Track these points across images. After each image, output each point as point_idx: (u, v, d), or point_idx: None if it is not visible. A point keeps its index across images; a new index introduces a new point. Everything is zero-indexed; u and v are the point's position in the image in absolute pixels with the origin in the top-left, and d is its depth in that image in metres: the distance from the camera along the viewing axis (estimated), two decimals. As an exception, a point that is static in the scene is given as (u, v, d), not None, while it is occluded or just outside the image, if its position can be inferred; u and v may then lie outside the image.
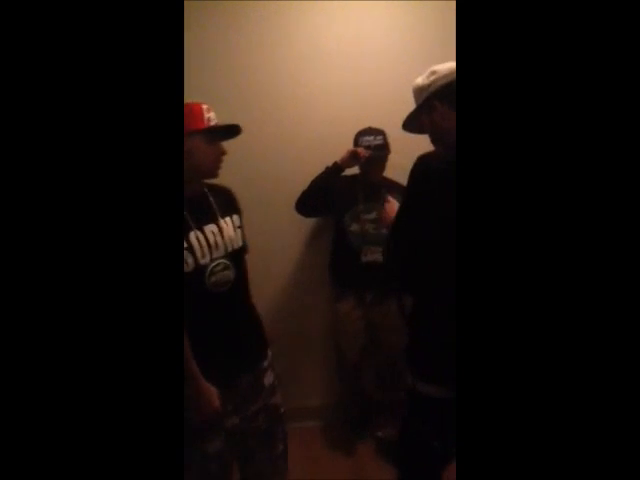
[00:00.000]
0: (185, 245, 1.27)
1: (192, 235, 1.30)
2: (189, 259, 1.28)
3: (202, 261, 1.30)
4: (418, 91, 1.23)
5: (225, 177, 1.39)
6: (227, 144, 1.37)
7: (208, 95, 1.59)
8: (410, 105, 1.25)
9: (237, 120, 1.36)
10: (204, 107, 1.31)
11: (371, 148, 2.12)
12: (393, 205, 1.45)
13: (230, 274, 1.36)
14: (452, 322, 1.06)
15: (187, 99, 1.16)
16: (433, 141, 1.24)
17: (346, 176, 2.24)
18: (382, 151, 2.14)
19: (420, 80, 1.22)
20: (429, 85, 1.19)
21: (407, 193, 1.19)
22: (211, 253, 1.32)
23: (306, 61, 2.37)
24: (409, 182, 1.19)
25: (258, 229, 1.47)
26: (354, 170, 2.24)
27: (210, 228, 1.34)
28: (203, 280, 1.31)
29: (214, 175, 1.37)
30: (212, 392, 1.29)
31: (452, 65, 1.17)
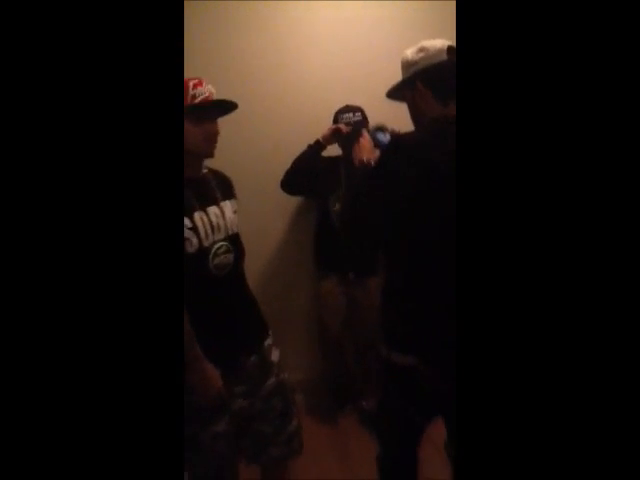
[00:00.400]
0: (190, 225, 1.23)
1: (196, 215, 1.26)
2: (194, 239, 1.23)
3: (205, 243, 1.26)
4: (405, 65, 1.23)
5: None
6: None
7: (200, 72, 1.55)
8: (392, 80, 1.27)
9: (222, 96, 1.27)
10: (191, 82, 1.21)
11: (351, 124, 2.16)
12: (367, 141, 1.42)
13: (231, 257, 1.33)
14: (426, 292, 1.12)
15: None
16: (411, 117, 1.27)
17: (329, 157, 2.27)
18: (360, 126, 2.16)
19: (409, 54, 1.22)
20: (415, 62, 1.19)
21: (377, 164, 1.20)
22: (214, 235, 1.29)
23: (294, 46, 2.40)
24: (380, 155, 1.23)
25: (244, 208, 1.50)
26: (337, 151, 2.26)
27: (213, 210, 1.31)
28: (207, 262, 1.27)
29: (209, 155, 1.30)
30: (215, 373, 1.27)
31: (441, 44, 1.16)
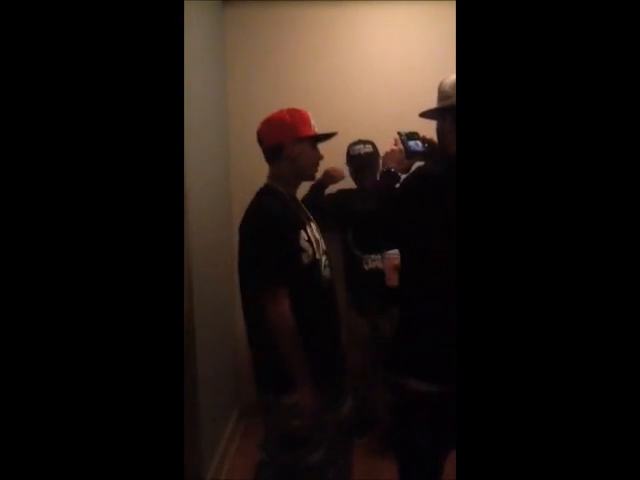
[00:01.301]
0: (306, 237, 1.28)
1: (308, 229, 1.29)
2: (309, 250, 1.27)
3: (317, 255, 1.29)
4: (441, 94, 1.25)
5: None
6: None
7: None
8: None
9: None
10: (309, 114, 1.39)
11: (361, 155, 2.27)
12: (398, 149, 1.37)
13: (329, 272, 1.36)
14: (442, 320, 1.13)
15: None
16: (438, 141, 1.31)
17: (344, 190, 2.34)
18: (370, 157, 2.28)
19: (447, 85, 1.23)
20: (449, 97, 1.21)
21: (399, 194, 1.25)
22: (319, 248, 1.33)
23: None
24: (402, 184, 1.26)
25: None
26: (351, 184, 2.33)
27: (313, 225, 1.37)
28: (320, 274, 1.28)
29: (313, 178, 1.42)
30: (317, 399, 1.21)
31: None
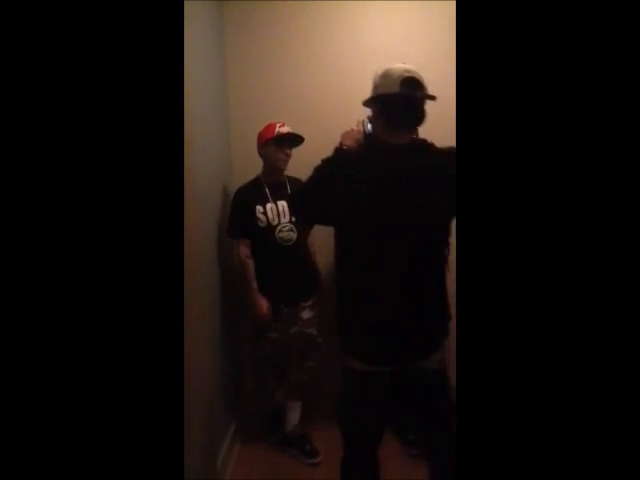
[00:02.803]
0: (262, 210, 2.06)
1: (267, 205, 2.08)
2: (263, 218, 2.06)
3: (273, 222, 2.07)
4: (373, 83, 1.29)
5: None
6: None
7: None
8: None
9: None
10: (277, 124, 2.07)
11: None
12: (356, 130, 1.43)
13: (293, 235, 2.08)
14: (371, 302, 1.24)
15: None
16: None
17: None
18: None
19: (378, 74, 1.28)
20: (377, 87, 1.27)
21: (315, 170, 1.30)
22: (279, 218, 2.08)
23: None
24: (322, 164, 1.31)
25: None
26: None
27: (282, 202, 2.09)
28: (274, 235, 2.06)
29: (281, 170, 2.11)
30: (263, 304, 2.04)
31: (399, 75, 1.22)
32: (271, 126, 2.07)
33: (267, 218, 2.07)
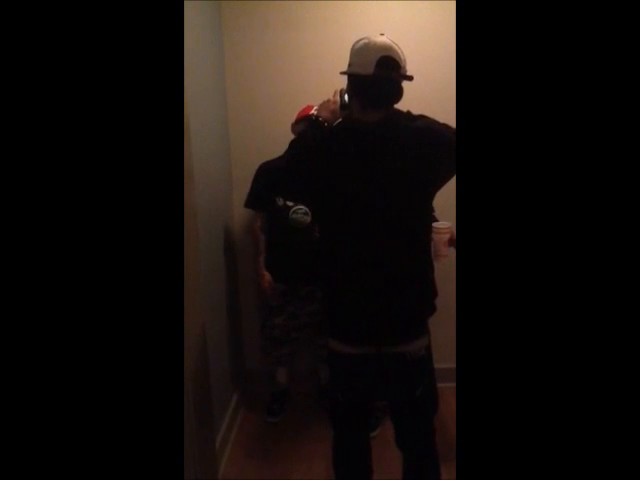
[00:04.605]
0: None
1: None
2: (280, 200, 2.16)
3: (289, 203, 2.16)
4: (349, 57, 1.27)
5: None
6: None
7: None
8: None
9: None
10: (315, 107, 1.88)
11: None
12: (332, 101, 1.38)
13: (307, 218, 2.16)
14: (351, 285, 1.26)
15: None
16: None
17: None
18: None
19: (353, 50, 1.26)
20: (351, 64, 1.26)
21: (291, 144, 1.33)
22: (295, 202, 2.16)
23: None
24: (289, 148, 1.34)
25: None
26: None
27: None
28: (287, 215, 2.16)
29: None
30: (266, 277, 2.21)
31: (375, 54, 1.18)
32: (308, 107, 2.10)
33: (285, 200, 2.17)
